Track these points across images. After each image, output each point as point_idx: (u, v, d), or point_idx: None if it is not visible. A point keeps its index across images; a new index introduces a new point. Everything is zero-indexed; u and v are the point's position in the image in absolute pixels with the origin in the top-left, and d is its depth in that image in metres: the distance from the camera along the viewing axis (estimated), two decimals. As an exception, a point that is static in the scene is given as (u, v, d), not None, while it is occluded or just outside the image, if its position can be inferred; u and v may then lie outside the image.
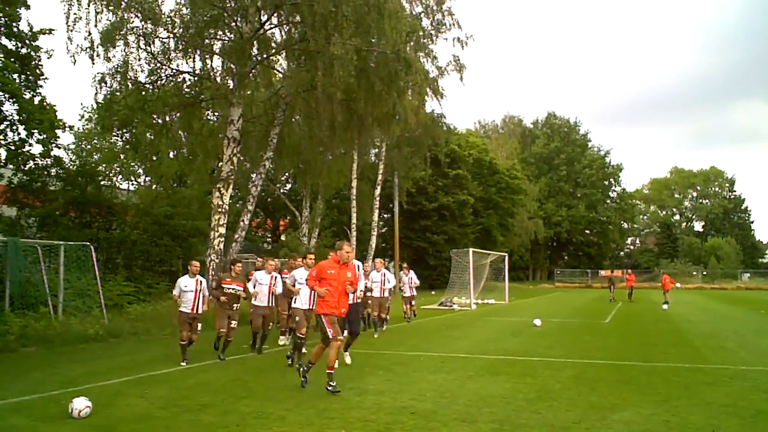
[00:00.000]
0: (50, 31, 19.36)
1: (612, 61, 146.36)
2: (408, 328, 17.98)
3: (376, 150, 35.84)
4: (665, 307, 27.20)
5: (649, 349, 13.41)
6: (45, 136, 19.52)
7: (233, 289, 11.56)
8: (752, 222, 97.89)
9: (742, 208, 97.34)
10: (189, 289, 10.92)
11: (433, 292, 36.48)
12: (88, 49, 18.14)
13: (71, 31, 17.93)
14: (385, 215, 46.94)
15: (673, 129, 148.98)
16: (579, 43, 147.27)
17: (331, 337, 8.29)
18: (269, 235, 43.76)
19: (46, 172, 20.67)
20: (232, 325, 11.44)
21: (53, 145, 20.13)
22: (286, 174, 37.48)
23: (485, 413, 7.28)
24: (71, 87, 52.60)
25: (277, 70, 23.59)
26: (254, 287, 12.28)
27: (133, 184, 29.99)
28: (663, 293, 32.32)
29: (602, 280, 64.52)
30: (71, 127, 21.16)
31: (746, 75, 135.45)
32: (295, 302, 10.94)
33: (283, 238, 40.25)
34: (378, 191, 35.51)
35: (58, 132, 20.12)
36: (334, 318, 8.43)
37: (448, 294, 29.56)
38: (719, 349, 13.45)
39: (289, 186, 40.52)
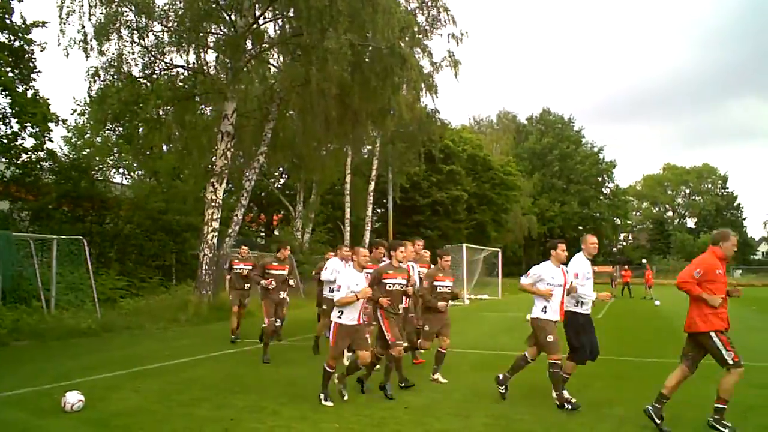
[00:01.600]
0: (43, 23, 19.23)
1: (606, 58, 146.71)
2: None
3: (370, 147, 35.73)
4: (657, 303, 27.32)
5: (642, 345, 13.47)
6: (38, 129, 19.41)
7: (399, 284, 8.03)
8: (744, 219, 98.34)
9: (735, 204, 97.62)
10: (360, 289, 7.49)
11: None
12: (81, 43, 18.04)
13: (64, 24, 17.84)
14: (379, 210, 46.88)
15: (667, 125, 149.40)
16: (573, 40, 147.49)
17: (732, 361, 6.27)
18: (263, 230, 43.67)
19: (39, 166, 20.55)
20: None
21: (46, 138, 20.04)
22: (280, 169, 37.40)
23: (479, 408, 7.30)
24: (64, 80, 52.26)
25: (272, 65, 23.54)
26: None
27: (127, 179, 29.91)
28: (646, 288, 32.52)
29: (595, 276, 64.75)
30: (64, 121, 21.04)
31: (739, 72, 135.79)
32: (545, 312, 7.51)
33: (276, 233, 40.19)
34: (372, 186, 35.47)
35: (51, 125, 20.03)
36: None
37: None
38: (711, 345, 13.49)
39: (282, 181, 40.44)
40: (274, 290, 10.79)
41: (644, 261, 39.84)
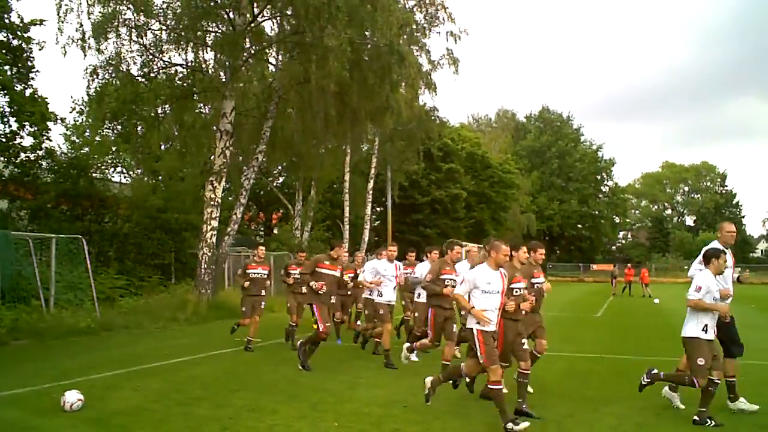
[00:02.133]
0: (41, 22, 19.21)
1: (605, 57, 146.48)
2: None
3: (369, 146, 35.73)
4: (657, 301, 27.34)
5: (640, 343, 13.47)
6: (36, 128, 19.41)
7: (518, 288, 7.34)
8: (743, 217, 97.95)
9: (734, 202, 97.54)
10: (492, 289, 6.52)
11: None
12: (79, 41, 18.01)
13: (62, 22, 17.80)
14: (378, 209, 46.87)
15: (666, 124, 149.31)
16: (572, 38, 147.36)
17: None
18: (262, 229, 43.66)
19: (37, 165, 20.54)
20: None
21: (45, 137, 20.04)
22: (279, 167, 37.39)
23: (478, 407, 7.31)
24: (63, 79, 52.30)
25: (271, 63, 23.50)
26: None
27: (126, 177, 29.86)
28: (643, 286, 32.52)
29: (594, 274, 65.09)
30: (63, 120, 21.03)
31: (739, 71, 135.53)
32: (706, 331, 6.78)
33: (275, 231, 40.16)
34: (371, 185, 35.47)
35: (50, 124, 20.02)
36: None
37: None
38: (710, 343, 13.51)
39: (281, 179, 40.43)
40: (326, 293, 9.72)
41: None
